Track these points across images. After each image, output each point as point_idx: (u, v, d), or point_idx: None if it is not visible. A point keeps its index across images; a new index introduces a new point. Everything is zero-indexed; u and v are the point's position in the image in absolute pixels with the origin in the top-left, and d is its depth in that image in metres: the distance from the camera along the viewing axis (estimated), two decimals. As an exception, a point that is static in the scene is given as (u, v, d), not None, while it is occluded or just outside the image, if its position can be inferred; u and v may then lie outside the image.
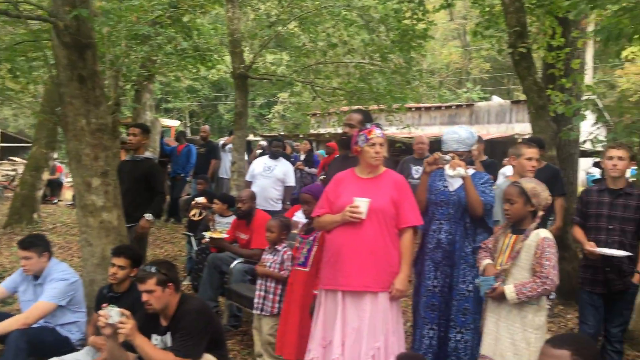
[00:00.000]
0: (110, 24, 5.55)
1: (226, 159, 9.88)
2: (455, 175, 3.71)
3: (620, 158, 3.89)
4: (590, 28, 7.68)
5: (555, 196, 5.50)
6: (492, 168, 6.92)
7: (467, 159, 3.88)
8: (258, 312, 4.21)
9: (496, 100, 19.98)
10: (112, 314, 3.16)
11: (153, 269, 3.32)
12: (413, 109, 18.95)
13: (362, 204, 3.38)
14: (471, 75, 28.36)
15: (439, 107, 19.83)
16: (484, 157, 6.98)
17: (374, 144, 3.48)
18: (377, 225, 3.44)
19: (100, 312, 3.18)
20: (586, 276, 3.92)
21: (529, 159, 4.32)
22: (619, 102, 5.81)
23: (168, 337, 3.38)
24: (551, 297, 6.02)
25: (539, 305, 3.17)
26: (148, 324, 3.40)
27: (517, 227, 3.25)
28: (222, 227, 5.79)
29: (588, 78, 20.73)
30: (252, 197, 5.42)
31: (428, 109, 19.40)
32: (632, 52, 7.65)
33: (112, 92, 6.57)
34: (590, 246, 3.78)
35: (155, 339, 3.40)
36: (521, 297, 3.09)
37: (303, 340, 3.69)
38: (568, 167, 7.56)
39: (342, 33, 8.08)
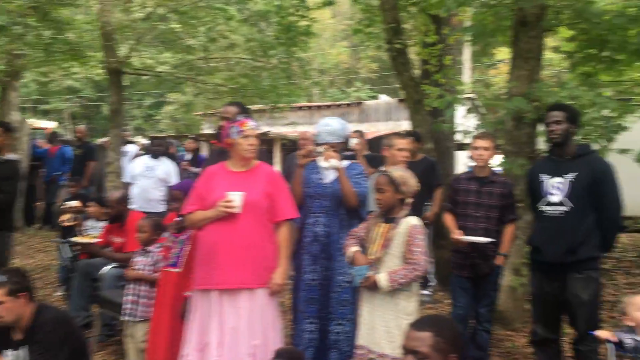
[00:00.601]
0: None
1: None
2: (328, 167, 3.70)
3: (485, 148, 4.06)
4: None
5: (434, 187, 5.76)
6: (375, 162, 7.07)
7: (341, 150, 3.89)
8: (129, 318, 3.97)
9: (384, 98, 20.64)
10: (-49, 330, 2.82)
11: (2, 278, 3.01)
12: (305, 108, 19.17)
13: (236, 198, 3.28)
14: (360, 75, 29.11)
15: (329, 106, 20.20)
16: (367, 152, 7.11)
17: (247, 136, 3.39)
18: (252, 220, 3.34)
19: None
20: (456, 261, 4.07)
21: (400, 149, 4.46)
22: (485, 98, 6.15)
23: (23, 352, 3.07)
24: (431, 283, 6.25)
25: (411, 292, 3.22)
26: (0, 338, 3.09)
27: (388, 215, 3.28)
28: (98, 232, 5.44)
29: (466, 77, 21.95)
30: (122, 200, 5.10)
31: (319, 107, 19.69)
32: (500, 50, 8.15)
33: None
34: (457, 234, 3.93)
35: (9, 354, 3.09)
36: (394, 284, 3.11)
37: (175, 345, 3.50)
38: (446, 159, 7.90)
39: (222, 28, 7.90)
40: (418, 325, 2.28)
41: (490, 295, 4.05)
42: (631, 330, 3.03)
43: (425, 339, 2.20)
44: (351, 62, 29.89)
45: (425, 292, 6.16)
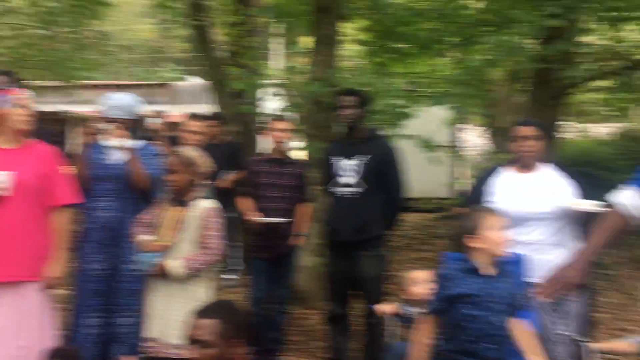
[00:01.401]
0: None
1: None
2: (116, 146, 3.40)
3: (284, 130, 4.09)
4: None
5: (238, 170, 5.71)
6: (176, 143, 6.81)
7: (131, 127, 3.60)
8: None
9: (196, 80, 20.14)
10: None
11: None
12: (108, 87, 17.94)
13: (3, 178, 2.88)
14: (171, 54, 27.97)
15: (136, 85, 19.14)
16: (170, 133, 6.83)
17: (20, 106, 2.99)
18: (21, 204, 2.96)
19: None
20: (254, 244, 4.06)
21: (190, 131, 4.39)
22: (291, 82, 6.26)
23: None
24: (238, 267, 6.20)
25: (201, 277, 3.10)
26: None
27: (179, 198, 3.11)
28: None
29: (280, 63, 22.27)
30: None
31: (124, 86, 18.53)
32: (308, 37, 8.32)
33: None
34: (252, 216, 3.90)
35: None
36: (188, 271, 2.97)
37: None
38: (252, 142, 7.88)
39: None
40: (202, 313, 2.19)
41: (287, 276, 4.10)
42: (408, 302, 3.26)
43: (209, 327, 2.12)
44: (162, 40, 28.57)
45: (232, 276, 6.09)
